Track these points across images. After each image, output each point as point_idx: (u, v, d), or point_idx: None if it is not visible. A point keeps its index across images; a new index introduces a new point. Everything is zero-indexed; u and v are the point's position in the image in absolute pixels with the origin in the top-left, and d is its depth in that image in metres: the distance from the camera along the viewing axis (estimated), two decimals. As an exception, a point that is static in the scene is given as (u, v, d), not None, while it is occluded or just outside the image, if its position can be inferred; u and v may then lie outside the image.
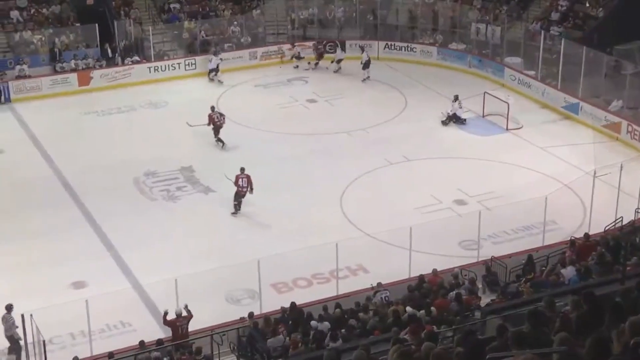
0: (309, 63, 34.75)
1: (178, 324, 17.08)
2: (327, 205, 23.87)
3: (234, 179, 23.31)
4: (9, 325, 17.22)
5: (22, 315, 15.87)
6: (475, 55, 34.72)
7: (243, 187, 23.26)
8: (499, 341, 8.37)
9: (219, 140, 27.24)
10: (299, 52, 34.97)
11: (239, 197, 23.34)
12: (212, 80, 33.15)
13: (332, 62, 34.31)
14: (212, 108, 27.43)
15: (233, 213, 23.40)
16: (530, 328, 8.66)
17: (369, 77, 33.25)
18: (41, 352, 16.05)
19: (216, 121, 27.06)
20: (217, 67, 33.27)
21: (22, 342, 16.83)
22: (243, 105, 31.08)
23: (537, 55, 32.13)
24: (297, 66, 34.75)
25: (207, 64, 33.57)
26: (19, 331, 16.70)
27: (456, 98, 29.30)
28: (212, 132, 27.28)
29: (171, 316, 17.23)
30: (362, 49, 34.75)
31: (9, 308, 17.35)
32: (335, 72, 34.20)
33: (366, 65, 33.36)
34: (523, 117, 29.66)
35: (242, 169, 23.49)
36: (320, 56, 34.83)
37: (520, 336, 7.93)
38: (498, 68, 33.54)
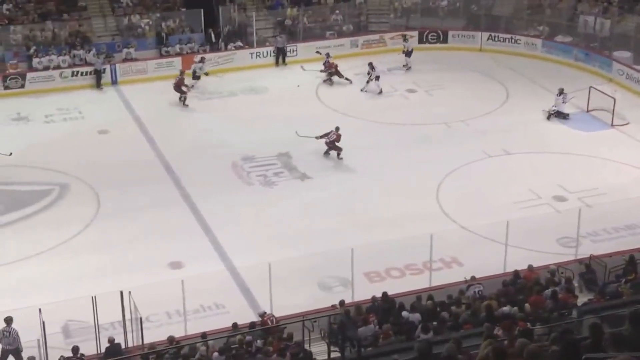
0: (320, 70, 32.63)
1: (266, 319, 17.21)
2: (424, 196, 23.70)
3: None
4: (10, 340, 16.34)
5: (121, 292, 16.29)
6: (582, 49, 33.80)
7: (336, 139, 25.54)
8: (592, 340, 8.14)
9: (327, 153, 25.97)
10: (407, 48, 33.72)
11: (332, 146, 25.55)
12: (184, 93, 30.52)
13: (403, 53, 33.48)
14: (337, 129, 25.76)
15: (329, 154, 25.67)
16: (630, 330, 8.39)
17: (409, 66, 33.28)
18: (138, 328, 16.47)
19: (333, 137, 25.66)
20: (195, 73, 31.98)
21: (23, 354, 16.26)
22: (342, 94, 31.12)
23: (648, 50, 31.11)
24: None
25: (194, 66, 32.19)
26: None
27: (561, 92, 28.61)
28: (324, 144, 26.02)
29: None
30: (405, 37, 34.22)
31: (9, 321, 16.38)
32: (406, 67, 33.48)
33: (409, 54, 33.25)
34: (630, 113, 28.74)
35: (337, 128, 25.68)
36: (331, 73, 32.17)
37: (619, 338, 7.71)
38: (606, 62, 32.58)
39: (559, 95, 28.61)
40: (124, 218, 22.79)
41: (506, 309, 15.70)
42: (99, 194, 23.98)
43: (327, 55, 32.41)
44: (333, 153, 26.00)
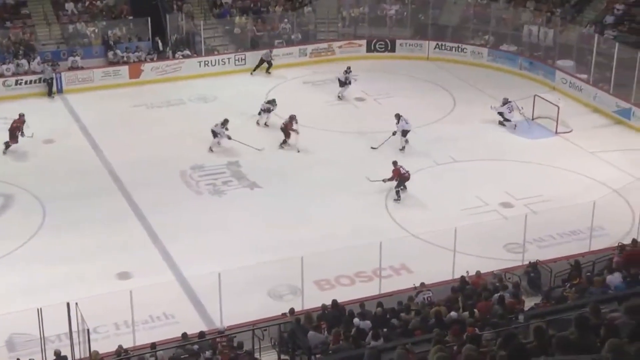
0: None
1: (218, 341, 16.71)
2: (373, 204, 23.85)
3: (388, 177, 23.98)
4: None
5: (68, 304, 16.06)
6: (527, 58, 34.36)
7: (406, 171, 24.09)
8: (537, 343, 8.28)
9: (399, 191, 24.28)
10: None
11: (403, 182, 24.11)
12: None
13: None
14: (395, 163, 24.46)
15: (396, 200, 23.97)
16: (576, 333, 8.55)
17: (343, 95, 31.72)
18: (85, 340, 16.23)
19: (402, 173, 24.27)
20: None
21: None
22: (291, 102, 31.06)
23: (590, 59, 31.68)
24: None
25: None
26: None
27: (505, 102, 28.92)
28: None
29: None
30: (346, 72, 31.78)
31: None
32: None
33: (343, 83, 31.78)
34: (573, 121, 29.27)
35: (395, 162, 24.35)
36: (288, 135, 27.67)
37: (565, 341, 7.84)
38: (549, 71, 33.15)
39: (503, 105, 28.92)
40: (70, 229, 22.48)
41: (454, 314, 15.85)
42: (44, 205, 23.65)
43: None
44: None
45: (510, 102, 28.94)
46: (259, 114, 29.24)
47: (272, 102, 29.27)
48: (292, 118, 27.36)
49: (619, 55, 30.19)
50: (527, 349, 8.23)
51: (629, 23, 33.69)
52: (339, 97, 31.64)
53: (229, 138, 27.06)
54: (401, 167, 24.29)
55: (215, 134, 27.15)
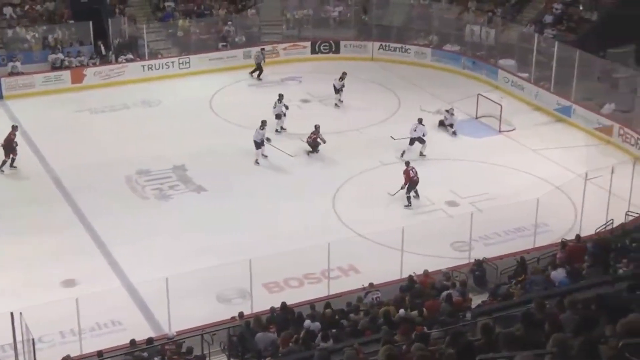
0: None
1: (166, 347, 16.39)
2: (320, 205, 23.87)
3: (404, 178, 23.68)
4: None
5: (12, 314, 15.78)
6: (470, 57, 34.76)
7: (415, 174, 23.72)
8: (484, 340, 8.38)
9: (411, 197, 23.96)
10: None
11: (413, 186, 23.74)
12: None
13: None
14: (407, 163, 24.23)
15: (407, 206, 23.68)
16: (522, 329, 8.67)
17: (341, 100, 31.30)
18: (30, 350, 15.97)
19: (412, 176, 23.94)
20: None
21: None
22: (236, 105, 31.07)
23: (531, 58, 32.17)
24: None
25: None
26: None
27: (449, 111, 29.01)
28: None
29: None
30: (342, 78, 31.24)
31: None
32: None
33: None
34: (516, 119, 29.71)
35: (408, 162, 24.08)
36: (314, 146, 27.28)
37: (511, 337, 7.94)
38: (492, 70, 33.58)
39: (448, 113, 28.99)
40: (13, 237, 22.09)
41: (402, 311, 15.96)
42: (-14, 213, 23.22)
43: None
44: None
45: (447, 110, 28.93)
46: (279, 117, 28.65)
47: (280, 98, 28.95)
48: (317, 128, 26.87)
49: (559, 54, 30.70)
50: (475, 346, 8.31)
51: (567, 22, 34.31)
52: (336, 104, 31.09)
53: (268, 140, 26.47)
54: (412, 169, 23.87)
55: (258, 144, 26.23)
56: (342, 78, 31.15)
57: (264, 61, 34.06)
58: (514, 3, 36.43)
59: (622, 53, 30.92)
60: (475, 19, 36.01)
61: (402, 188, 23.80)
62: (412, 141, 26.85)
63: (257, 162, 26.29)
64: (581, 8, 34.73)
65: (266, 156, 26.54)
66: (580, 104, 29.62)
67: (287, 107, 28.80)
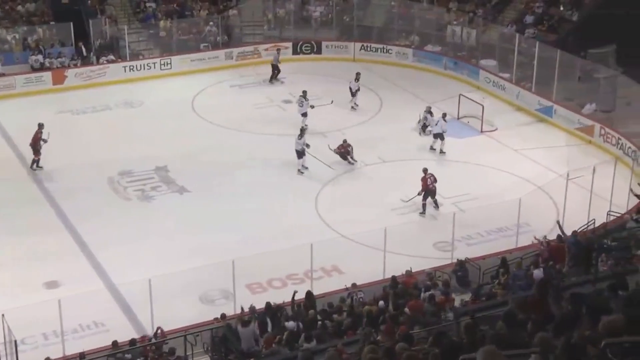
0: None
1: (148, 349, 16.40)
2: (303, 206, 23.90)
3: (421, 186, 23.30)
4: None
5: (-6, 315, 15.75)
6: (451, 58, 34.86)
7: (432, 183, 23.37)
8: (467, 340, 8.42)
9: (425, 204, 23.65)
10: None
11: (429, 195, 23.37)
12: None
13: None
14: (425, 170, 23.81)
15: (422, 214, 23.40)
16: (504, 328, 8.72)
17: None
18: (13, 352, 15.91)
19: (429, 185, 23.56)
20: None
21: None
22: (218, 106, 31.03)
23: (512, 58, 32.32)
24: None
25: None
26: None
27: (428, 109, 29.01)
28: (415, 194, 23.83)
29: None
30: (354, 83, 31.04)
31: None
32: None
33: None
34: (497, 119, 29.84)
35: (426, 169, 23.59)
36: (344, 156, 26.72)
37: (494, 337, 7.99)
38: (473, 70, 33.70)
39: (427, 113, 28.98)
40: (-5, 239, 21.99)
41: (382, 303, 16.04)
42: (-33, 215, 23.09)
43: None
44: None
45: (430, 112, 28.90)
46: (305, 116, 28.55)
47: (304, 95, 28.81)
48: (345, 142, 26.49)
49: (540, 54, 30.85)
50: (458, 346, 8.36)
51: (548, 22, 34.51)
52: (352, 107, 30.84)
53: (308, 146, 25.98)
54: (430, 176, 23.51)
55: (300, 153, 25.75)
56: (357, 79, 30.84)
57: (280, 61, 33.87)
58: (495, 3, 36.59)
59: (602, 53, 31.07)
60: (456, 19, 36.11)
61: (418, 194, 23.53)
62: (435, 136, 27.17)
63: (299, 172, 25.82)
64: (562, 8, 34.94)
65: (307, 167, 25.98)
66: (561, 104, 29.80)
67: (312, 107, 28.58)
